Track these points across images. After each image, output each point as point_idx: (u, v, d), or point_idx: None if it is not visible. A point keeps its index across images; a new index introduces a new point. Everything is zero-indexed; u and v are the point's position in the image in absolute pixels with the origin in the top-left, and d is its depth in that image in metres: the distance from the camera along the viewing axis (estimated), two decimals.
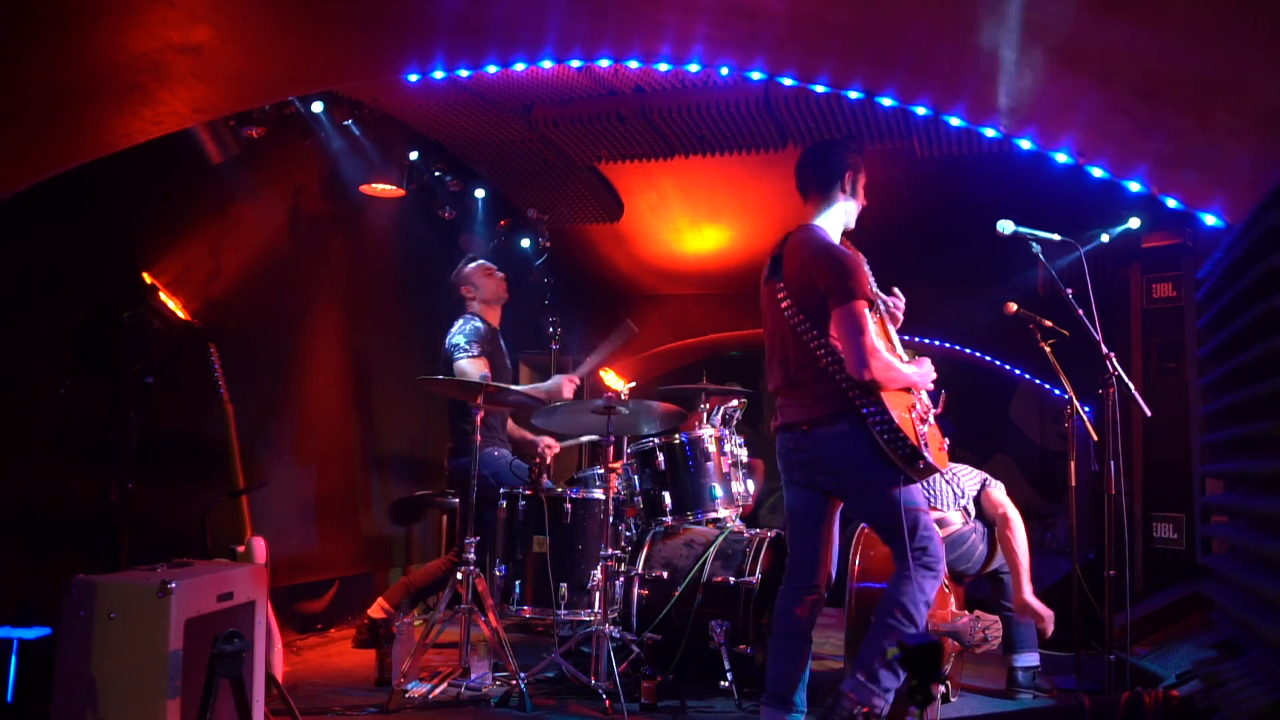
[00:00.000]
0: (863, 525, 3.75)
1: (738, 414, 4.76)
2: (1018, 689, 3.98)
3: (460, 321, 4.76)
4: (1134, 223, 5.17)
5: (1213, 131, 2.61)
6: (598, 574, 3.91)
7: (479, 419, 3.96)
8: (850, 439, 2.97)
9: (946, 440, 3.19)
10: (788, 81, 3.44)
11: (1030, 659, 4.00)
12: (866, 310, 2.95)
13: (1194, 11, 2.26)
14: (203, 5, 2.84)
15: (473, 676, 3.87)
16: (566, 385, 4.71)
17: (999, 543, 3.97)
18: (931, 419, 3.10)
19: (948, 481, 4.02)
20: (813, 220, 3.21)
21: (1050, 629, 3.90)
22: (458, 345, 4.63)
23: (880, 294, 3.19)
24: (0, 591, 3.33)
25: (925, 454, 2.93)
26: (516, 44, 3.28)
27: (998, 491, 4.01)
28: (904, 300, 3.29)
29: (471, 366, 4.57)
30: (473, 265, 4.90)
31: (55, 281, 3.59)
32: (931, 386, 3.13)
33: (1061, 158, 3.19)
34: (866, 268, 3.13)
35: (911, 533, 2.99)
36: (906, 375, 3.00)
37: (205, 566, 2.92)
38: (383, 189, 5.12)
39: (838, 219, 3.22)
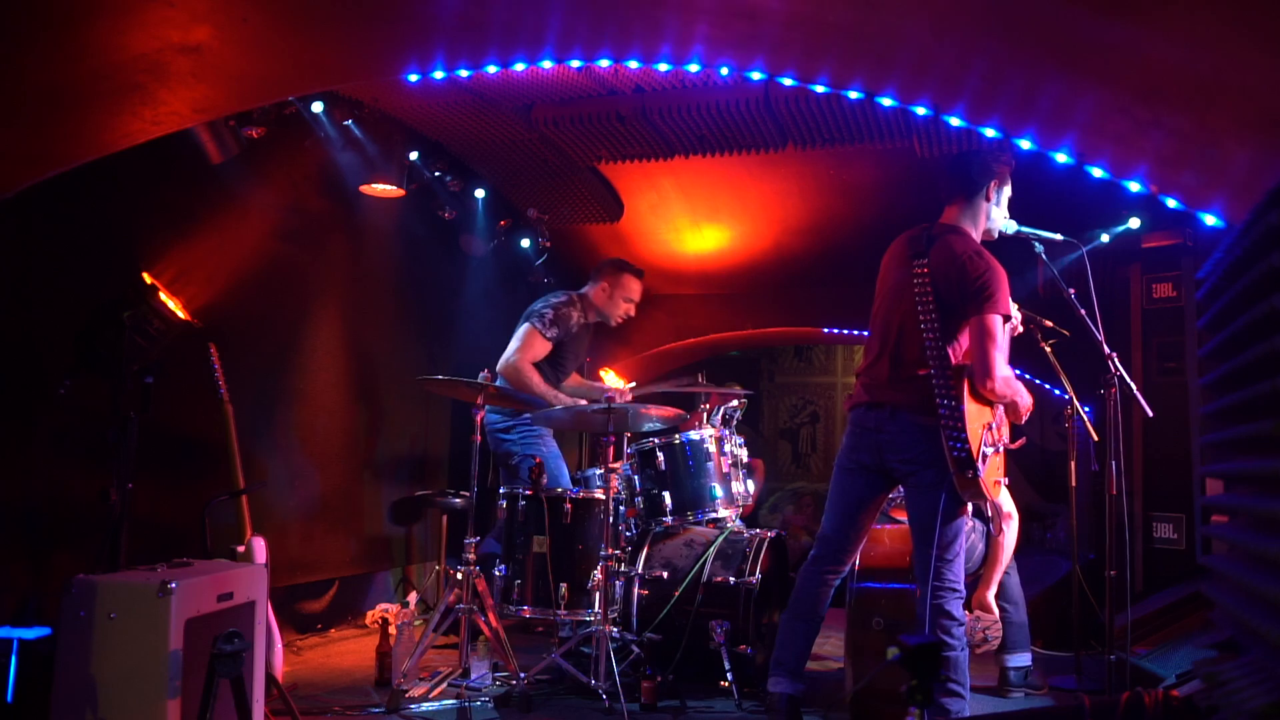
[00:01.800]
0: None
1: (738, 414, 4.76)
2: (1010, 688, 3.98)
3: (562, 297, 4.77)
4: (1134, 223, 5.17)
5: (1213, 131, 2.61)
6: (598, 574, 3.91)
7: (479, 419, 3.95)
8: (929, 433, 3.05)
9: (1007, 479, 3.27)
10: (788, 81, 3.43)
11: (1023, 659, 4.00)
12: (1002, 325, 3.06)
13: (1194, 11, 2.26)
14: (203, 5, 2.84)
15: (473, 676, 3.87)
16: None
17: (991, 538, 3.96)
18: (1001, 449, 3.17)
19: None
20: (957, 222, 3.29)
21: (998, 635, 3.89)
22: (537, 313, 4.67)
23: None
24: (0, 591, 3.33)
25: (978, 467, 2.98)
26: (516, 44, 3.28)
27: (1002, 492, 3.99)
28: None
29: (529, 341, 4.60)
30: (629, 275, 4.87)
31: (55, 281, 3.59)
32: (1025, 412, 3.25)
33: (1061, 158, 3.19)
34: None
35: (946, 547, 3.09)
36: (1017, 391, 3.12)
37: (205, 566, 2.92)
38: (383, 189, 5.12)
39: (979, 223, 3.30)
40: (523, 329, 4.68)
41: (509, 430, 4.68)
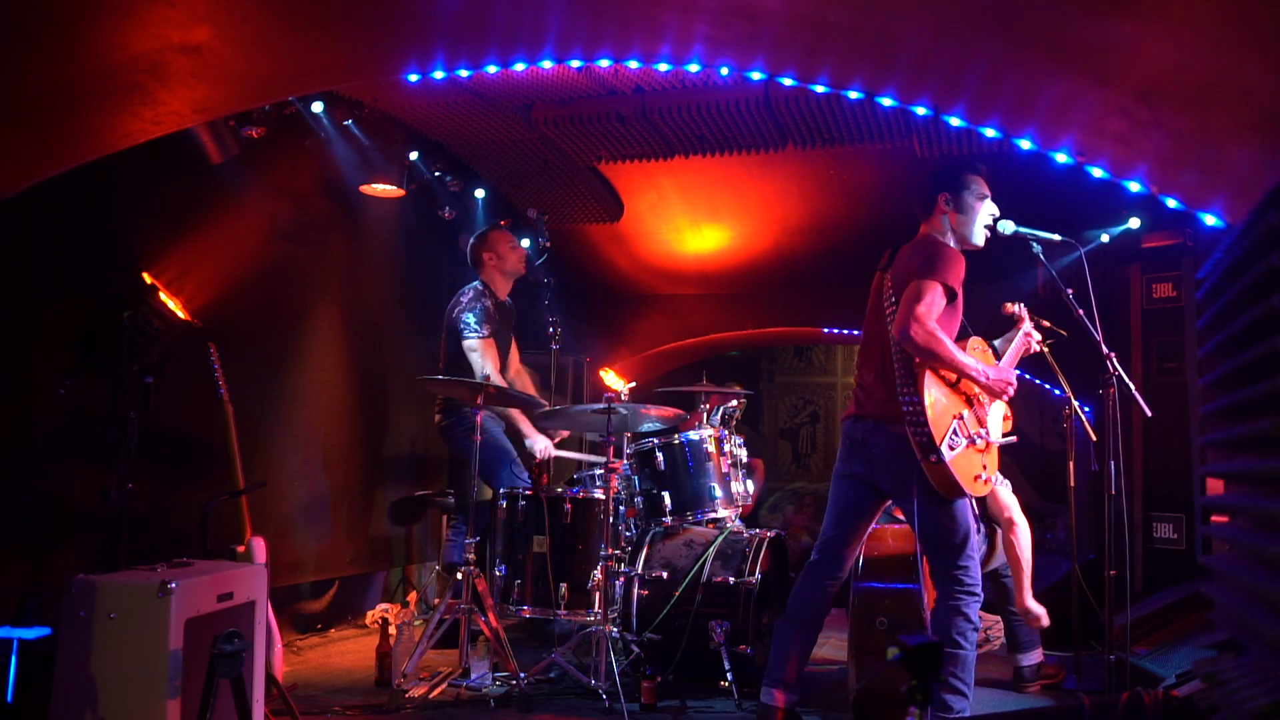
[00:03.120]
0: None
1: (737, 414, 4.76)
2: (1025, 683, 4.01)
3: (471, 295, 4.79)
4: (1134, 223, 5.18)
5: (1213, 131, 2.61)
6: (598, 574, 3.91)
7: (479, 419, 3.95)
8: (907, 444, 3.03)
9: (992, 477, 3.18)
10: (788, 81, 3.43)
11: (1034, 658, 4.03)
12: (939, 294, 3.03)
13: (1194, 11, 2.26)
14: (203, 5, 2.84)
15: (473, 676, 3.87)
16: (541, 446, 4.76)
17: (1004, 547, 3.97)
18: (985, 444, 3.14)
19: None
20: (928, 233, 3.33)
21: (1046, 623, 3.92)
22: (468, 324, 4.69)
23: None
24: (0, 591, 3.33)
25: (941, 450, 2.96)
26: (516, 44, 3.28)
27: (1005, 491, 4.00)
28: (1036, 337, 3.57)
29: (480, 348, 4.64)
30: (497, 231, 4.93)
31: (55, 281, 3.59)
32: (1004, 394, 3.18)
33: (1061, 158, 3.19)
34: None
35: (958, 551, 3.08)
36: (958, 359, 3.03)
37: (205, 566, 2.92)
38: (383, 189, 5.12)
39: (947, 234, 3.30)
40: (469, 344, 4.68)
41: (448, 429, 4.78)
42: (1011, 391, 3.20)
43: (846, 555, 3.33)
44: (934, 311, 3.00)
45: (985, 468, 3.15)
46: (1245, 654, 1.76)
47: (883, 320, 3.20)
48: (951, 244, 3.27)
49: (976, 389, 3.16)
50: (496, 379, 4.60)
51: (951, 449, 3.00)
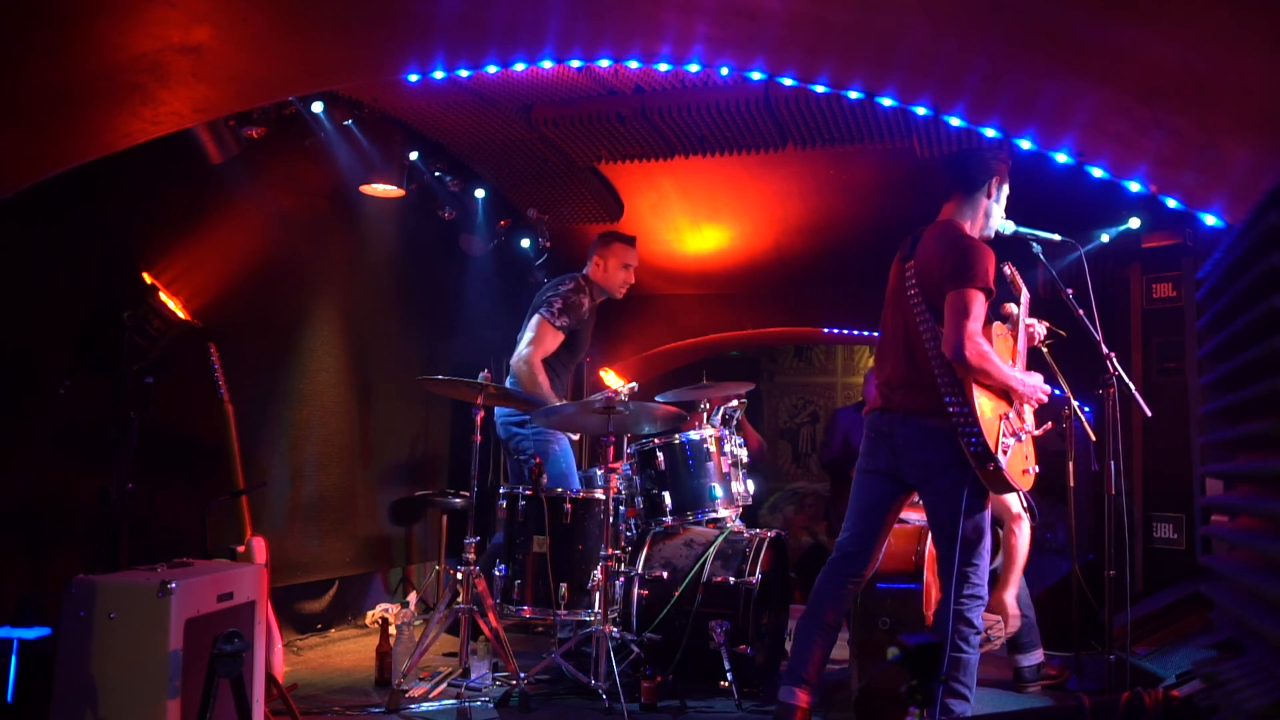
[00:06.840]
0: None
1: (738, 414, 4.76)
2: (1025, 683, 4.01)
3: (569, 282, 4.60)
4: (1134, 223, 5.18)
5: (1213, 131, 2.61)
6: (598, 574, 3.91)
7: (479, 419, 3.95)
8: (942, 437, 3.01)
9: (1036, 468, 3.20)
10: (788, 81, 3.43)
11: (1034, 658, 4.03)
12: (983, 303, 2.99)
13: (1194, 11, 2.26)
14: (203, 5, 2.84)
15: (473, 676, 3.87)
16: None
17: (1004, 539, 3.97)
18: (1026, 437, 3.14)
19: None
20: (951, 217, 3.26)
21: (1015, 627, 3.91)
22: (549, 302, 4.50)
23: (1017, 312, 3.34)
24: (0, 591, 3.33)
25: (998, 458, 2.94)
26: (516, 44, 3.28)
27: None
28: (1043, 328, 3.50)
29: (541, 334, 4.45)
30: (619, 243, 4.73)
31: (55, 281, 3.59)
32: (1038, 402, 3.18)
33: (1061, 158, 3.19)
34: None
35: (970, 550, 3.05)
36: (1004, 374, 3.02)
37: (205, 566, 2.92)
38: (383, 189, 5.12)
39: (976, 219, 3.26)
40: (533, 321, 4.50)
41: (524, 424, 4.53)
42: (1043, 398, 3.19)
43: (870, 551, 3.26)
44: (982, 323, 2.98)
45: (1028, 459, 3.16)
46: (1245, 654, 1.76)
47: (905, 309, 3.17)
48: (975, 232, 3.24)
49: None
50: (537, 370, 4.43)
51: (1005, 452, 2.97)
